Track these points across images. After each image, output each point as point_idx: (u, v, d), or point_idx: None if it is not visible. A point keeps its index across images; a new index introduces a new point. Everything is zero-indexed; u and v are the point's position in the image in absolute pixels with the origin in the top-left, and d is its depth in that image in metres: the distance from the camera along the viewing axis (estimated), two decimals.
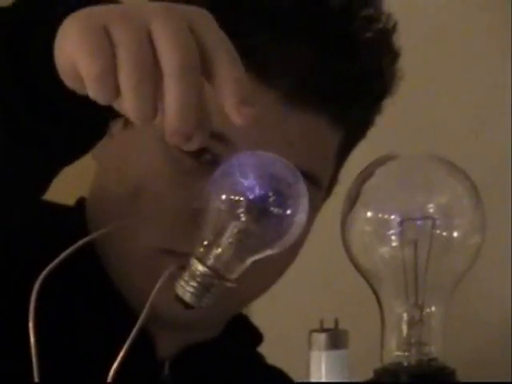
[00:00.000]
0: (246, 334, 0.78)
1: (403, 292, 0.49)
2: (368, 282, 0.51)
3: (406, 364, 0.49)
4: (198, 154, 0.64)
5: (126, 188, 0.68)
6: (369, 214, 0.50)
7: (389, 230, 0.49)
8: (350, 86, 0.67)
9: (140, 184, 0.67)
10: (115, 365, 0.51)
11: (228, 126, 0.56)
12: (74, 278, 0.62)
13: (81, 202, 0.75)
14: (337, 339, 0.50)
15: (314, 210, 0.65)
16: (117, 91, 0.44)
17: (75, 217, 0.73)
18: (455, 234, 0.50)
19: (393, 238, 0.49)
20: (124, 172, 0.70)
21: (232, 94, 0.44)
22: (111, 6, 0.46)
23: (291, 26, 0.66)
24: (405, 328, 0.50)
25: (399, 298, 0.49)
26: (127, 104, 0.44)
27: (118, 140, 0.71)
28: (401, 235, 0.49)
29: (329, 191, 0.71)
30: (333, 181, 0.72)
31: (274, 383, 0.80)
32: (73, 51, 0.44)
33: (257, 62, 0.64)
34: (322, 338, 0.50)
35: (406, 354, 0.49)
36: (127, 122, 0.68)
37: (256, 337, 0.80)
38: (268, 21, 0.66)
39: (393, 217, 0.49)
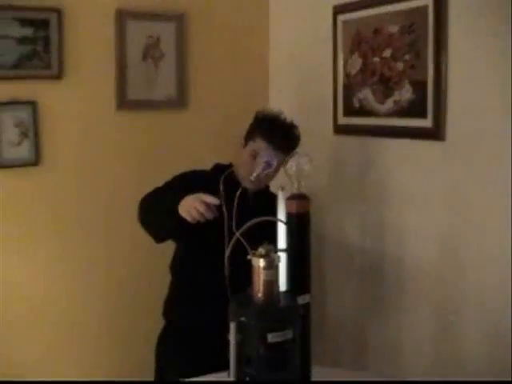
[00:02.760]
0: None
1: None
2: None
3: None
4: (254, 156, 2.54)
5: (241, 165, 2.59)
6: None
7: None
8: (287, 145, 2.50)
9: (243, 164, 2.58)
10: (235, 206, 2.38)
11: (258, 149, 2.55)
12: (230, 183, 2.52)
13: (217, 165, 2.69)
14: None
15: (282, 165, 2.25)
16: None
17: (217, 172, 2.59)
18: None
19: None
20: (241, 161, 2.60)
21: None
22: (192, 198, 2.32)
23: (273, 135, 2.54)
24: None
25: None
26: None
27: (239, 151, 2.62)
28: None
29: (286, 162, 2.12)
30: (285, 159, 2.16)
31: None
32: (181, 211, 2.32)
33: (271, 140, 2.53)
34: None
35: None
36: (244, 146, 2.60)
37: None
38: (267, 133, 2.55)
39: None
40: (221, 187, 2.44)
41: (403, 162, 2.69)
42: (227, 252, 1.97)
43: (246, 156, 2.54)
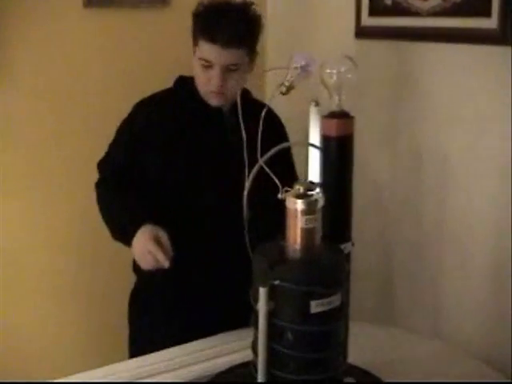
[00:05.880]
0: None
1: None
2: None
3: None
4: (205, 65, 1.94)
5: (195, 78, 2.02)
6: None
7: None
8: (238, 37, 1.90)
9: (196, 78, 2.01)
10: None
11: (210, 58, 1.92)
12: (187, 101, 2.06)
13: (180, 79, 2.10)
14: None
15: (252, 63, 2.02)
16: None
17: (180, 89, 2.09)
18: None
19: None
20: (194, 70, 2.01)
21: None
22: (143, 241, 1.89)
23: (214, 26, 1.90)
24: None
25: None
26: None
27: (193, 60, 2.00)
28: None
29: (253, 59, 2.01)
30: (252, 57, 2.00)
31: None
32: (135, 256, 1.93)
33: (213, 37, 1.89)
34: None
35: None
36: (194, 53, 2.00)
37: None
38: (206, 27, 1.92)
39: None
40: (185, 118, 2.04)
41: (454, 72, 2.22)
42: (247, 186, 1.47)
43: (197, 67, 1.98)
